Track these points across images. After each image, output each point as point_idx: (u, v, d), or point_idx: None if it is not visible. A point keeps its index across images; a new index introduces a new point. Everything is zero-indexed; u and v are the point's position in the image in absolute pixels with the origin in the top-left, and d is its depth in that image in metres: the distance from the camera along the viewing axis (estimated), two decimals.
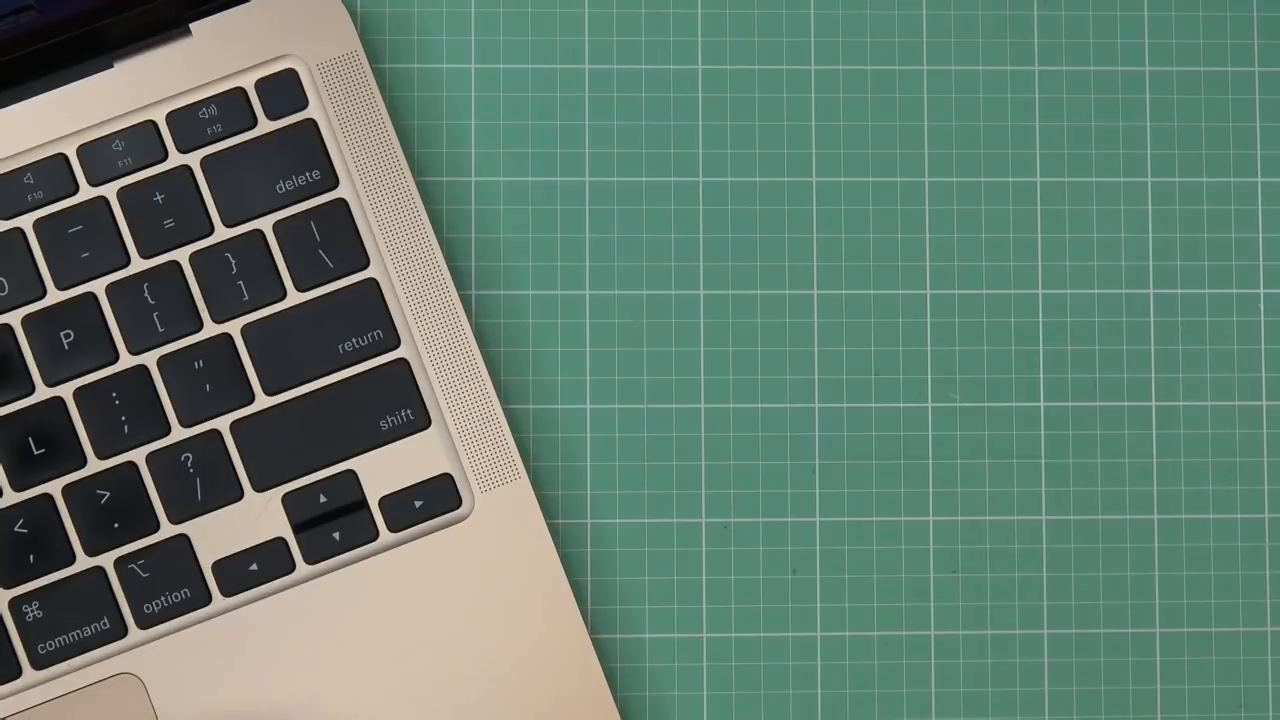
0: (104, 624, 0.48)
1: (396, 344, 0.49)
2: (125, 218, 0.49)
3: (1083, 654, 0.51)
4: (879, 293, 0.52)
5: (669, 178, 0.52)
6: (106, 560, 0.48)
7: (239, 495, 0.48)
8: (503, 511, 0.49)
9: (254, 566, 0.48)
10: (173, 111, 0.49)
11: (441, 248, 0.50)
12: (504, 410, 0.50)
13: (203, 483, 0.48)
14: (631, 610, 0.51)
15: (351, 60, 0.50)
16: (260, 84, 0.49)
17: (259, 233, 0.49)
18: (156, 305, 0.49)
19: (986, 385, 0.52)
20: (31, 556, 0.48)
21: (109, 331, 0.49)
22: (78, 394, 0.48)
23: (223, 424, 0.49)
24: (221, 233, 0.49)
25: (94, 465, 0.48)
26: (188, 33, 0.50)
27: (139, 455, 0.48)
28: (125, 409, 0.48)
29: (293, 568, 0.48)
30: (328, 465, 0.49)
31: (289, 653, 0.48)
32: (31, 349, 0.48)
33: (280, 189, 0.49)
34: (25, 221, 0.49)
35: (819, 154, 0.52)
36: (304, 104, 0.50)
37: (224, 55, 0.50)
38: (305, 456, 0.49)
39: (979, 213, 0.52)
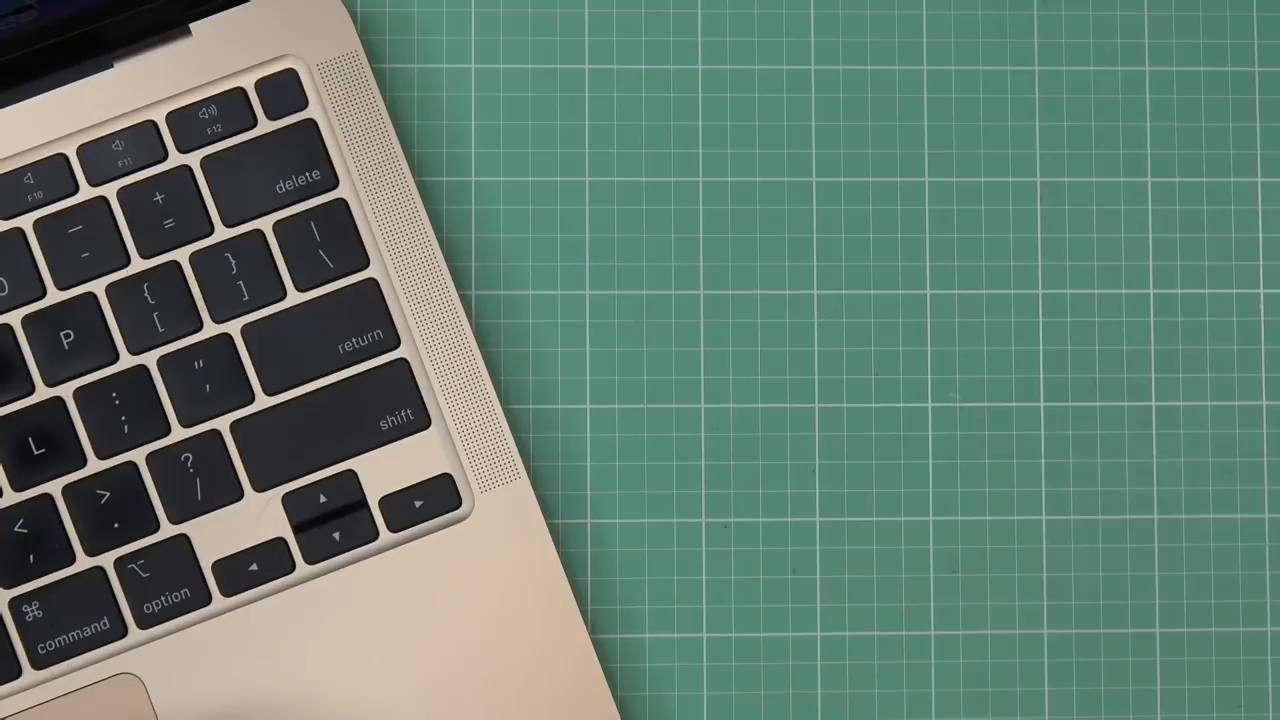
0: (104, 624, 0.48)
1: (396, 344, 0.49)
2: (125, 218, 0.49)
3: (1083, 654, 0.51)
4: (879, 293, 0.52)
5: (669, 178, 0.52)
6: (106, 560, 0.48)
7: (239, 495, 0.48)
8: (503, 511, 0.49)
9: (254, 566, 0.48)
10: (173, 111, 0.49)
11: (441, 248, 0.50)
12: (504, 410, 0.50)
13: (203, 483, 0.48)
14: (631, 610, 0.51)
15: (351, 60, 0.50)
16: (260, 84, 0.49)
17: (259, 233, 0.49)
18: (156, 305, 0.49)
19: (986, 385, 0.52)
20: (31, 556, 0.48)
21: (109, 331, 0.49)
22: (78, 394, 0.48)
23: (223, 424, 0.49)
24: (221, 233, 0.49)
25: (94, 465, 0.48)
26: (188, 33, 0.50)
27: (139, 455, 0.48)
28: (125, 409, 0.48)
29: (293, 568, 0.48)
30: (328, 465, 0.49)
31: (289, 653, 0.48)
32: (31, 349, 0.48)
33: (280, 189, 0.49)
34: (25, 221, 0.49)
35: (819, 154, 0.52)
36: (304, 104, 0.50)
37: (224, 55, 0.50)
38: (305, 456, 0.49)
39: (979, 213, 0.52)
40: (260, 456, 0.48)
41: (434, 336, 0.49)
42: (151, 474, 0.48)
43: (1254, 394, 0.52)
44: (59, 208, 0.49)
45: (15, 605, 0.48)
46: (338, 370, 0.49)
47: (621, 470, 0.51)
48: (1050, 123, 0.53)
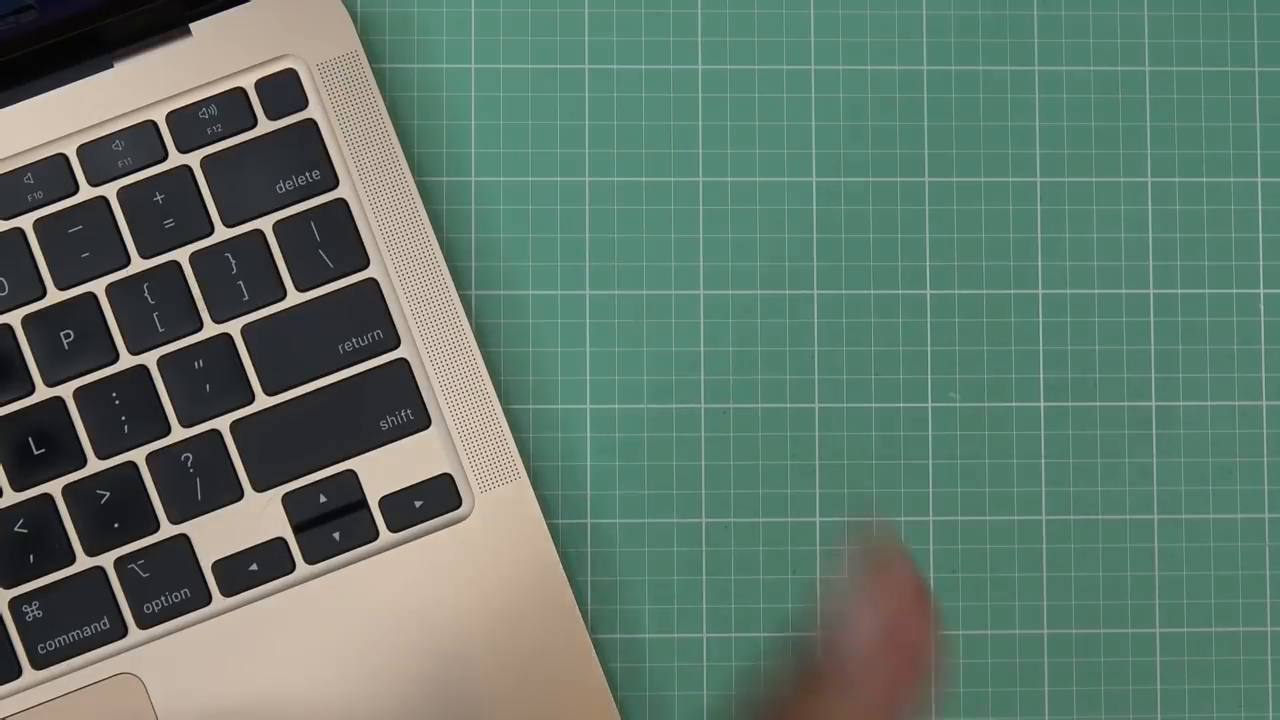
0: (104, 624, 0.48)
1: (396, 344, 0.49)
2: (125, 218, 0.49)
3: (1083, 654, 0.51)
4: (879, 293, 0.52)
5: (669, 178, 0.52)
6: (106, 560, 0.48)
7: (239, 495, 0.48)
8: (503, 511, 0.49)
9: (254, 566, 0.48)
10: (173, 111, 0.49)
11: (441, 248, 0.50)
12: (504, 410, 0.50)
13: (203, 483, 0.48)
14: (631, 610, 0.51)
15: (351, 60, 0.50)
16: (260, 84, 0.49)
17: (259, 233, 0.49)
18: (156, 305, 0.49)
19: (986, 385, 0.52)
20: (31, 556, 0.48)
21: (109, 331, 0.49)
22: (78, 394, 0.48)
23: (223, 424, 0.49)
24: (221, 233, 0.49)
25: (94, 465, 0.48)
26: (188, 33, 0.50)
27: (139, 455, 0.48)
28: (125, 409, 0.48)
29: (293, 568, 0.48)
30: (328, 465, 0.49)
31: (289, 653, 0.48)
32: (31, 349, 0.48)
33: (280, 189, 0.49)
34: (25, 221, 0.49)
35: (819, 154, 0.52)
36: (304, 104, 0.50)
37: (224, 55, 0.50)
38: (305, 456, 0.49)
39: (979, 213, 0.52)
40: (260, 456, 0.48)
41: (434, 336, 0.49)
42: (151, 474, 0.48)
43: (1254, 394, 0.52)
44: (59, 208, 0.49)
45: (15, 605, 0.48)
46: (338, 370, 0.49)
47: (621, 470, 0.51)
48: (1050, 123, 0.53)
